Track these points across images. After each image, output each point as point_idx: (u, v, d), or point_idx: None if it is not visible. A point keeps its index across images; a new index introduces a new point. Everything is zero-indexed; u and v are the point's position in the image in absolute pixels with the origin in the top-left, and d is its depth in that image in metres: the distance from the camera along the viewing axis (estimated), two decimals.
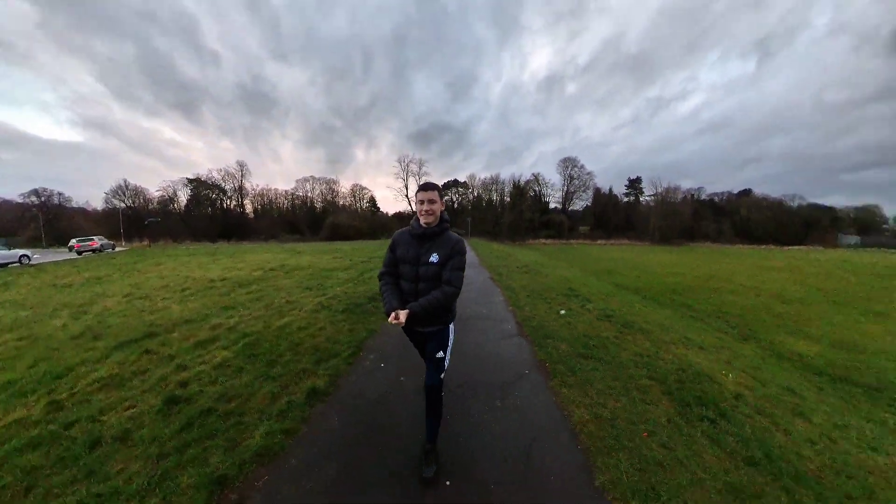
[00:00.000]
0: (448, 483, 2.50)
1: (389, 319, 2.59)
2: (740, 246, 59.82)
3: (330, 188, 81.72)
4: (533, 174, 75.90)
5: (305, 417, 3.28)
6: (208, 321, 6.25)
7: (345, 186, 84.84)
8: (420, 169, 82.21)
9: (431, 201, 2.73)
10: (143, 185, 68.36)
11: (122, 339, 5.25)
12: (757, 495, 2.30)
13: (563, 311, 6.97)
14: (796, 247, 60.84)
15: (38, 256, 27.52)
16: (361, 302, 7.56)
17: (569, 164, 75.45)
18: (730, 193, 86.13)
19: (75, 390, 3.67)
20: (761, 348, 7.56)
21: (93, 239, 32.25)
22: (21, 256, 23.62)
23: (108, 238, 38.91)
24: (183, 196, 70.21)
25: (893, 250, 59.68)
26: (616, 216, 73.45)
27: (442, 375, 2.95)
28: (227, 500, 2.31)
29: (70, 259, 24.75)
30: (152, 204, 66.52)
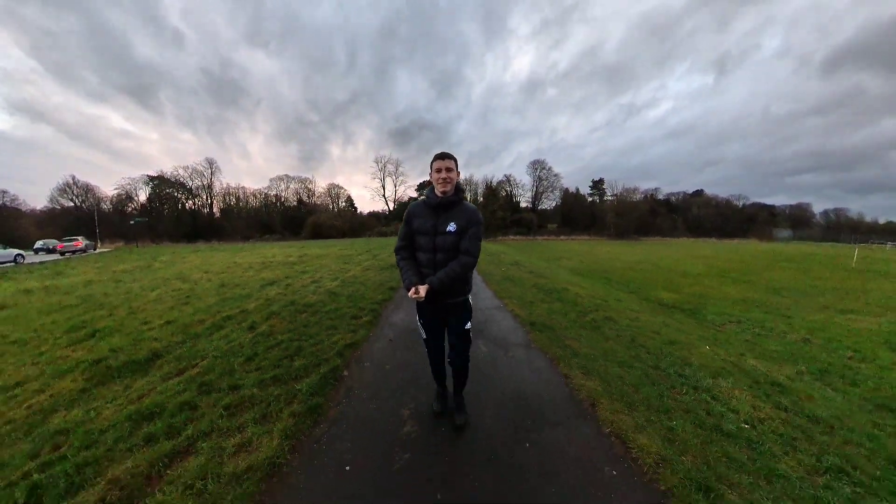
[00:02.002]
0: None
1: (409, 294, 2.57)
2: (685, 239, 65.50)
3: (305, 187, 77.92)
4: (505, 175, 79.09)
5: (374, 322, 5.33)
6: (300, 278, 9.56)
7: (320, 185, 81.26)
8: (397, 169, 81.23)
9: (448, 169, 2.64)
10: (93, 183, 61.58)
11: (256, 286, 8.57)
12: (607, 345, 5.80)
13: (502, 268, 10.67)
14: (736, 240, 67.03)
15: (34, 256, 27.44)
16: (392, 264, 11.04)
17: (538, 167, 79.46)
18: (685, 193, 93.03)
19: (250, 308, 6.88)
20: (636, 296, 11.28)
21: (77, 239, 31.45)
22: (16, 256, 23.89)
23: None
24: (143, 195, 64.34)
25: (819, 242, 66.58)
26: (581, 214, 77.92)
27: (468, 345, 2.91)
28: (355, 357, 4.00)
29: (67, 259, 24.37)
30: (105, 203, 61.01)
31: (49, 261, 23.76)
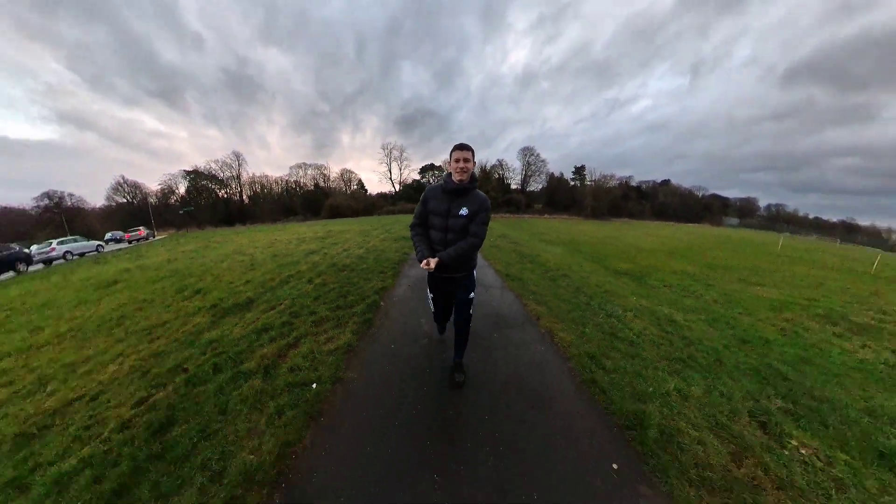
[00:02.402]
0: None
1: (421, 265, 2.54)
2: (650, 221, 66.33)
3: (321, 172, 76.76)
4: (498, 160, 78.30)
5: (396, 275, 6.37)
6: (333, 248, 10.58)
7: (334, 170, 79.79)
8: (402, 154, 79.31)
9: (466, 160, 2.55)
10: (139, 180, 63.98)
11: (300, 255, 9.73)
12: (558, 290, 6.90)
13: (490, 240, 11.67)
14: (692, 224, 68.08)
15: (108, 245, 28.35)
16: (405, 236, 12.05)
17: (527, 153, 78.96)
18: (654, 182, 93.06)
19: (302, 270, 8.08)
20: (597, 264, 12.39)
21: (140, 229, 32.74)
22: (98, 246, 24.80)
23: (121, 229, 38.24)
24: (182, 188, 65.39)
25: (758, 230, 67.95)
26: (563, 196, 78.23)
27: (471, 311, 2.91)
28: (387, 295, 5.05)
29: (137, 246, 24.86)
30: (151, 197, 61.95)
31: (122, 248, 24.52)
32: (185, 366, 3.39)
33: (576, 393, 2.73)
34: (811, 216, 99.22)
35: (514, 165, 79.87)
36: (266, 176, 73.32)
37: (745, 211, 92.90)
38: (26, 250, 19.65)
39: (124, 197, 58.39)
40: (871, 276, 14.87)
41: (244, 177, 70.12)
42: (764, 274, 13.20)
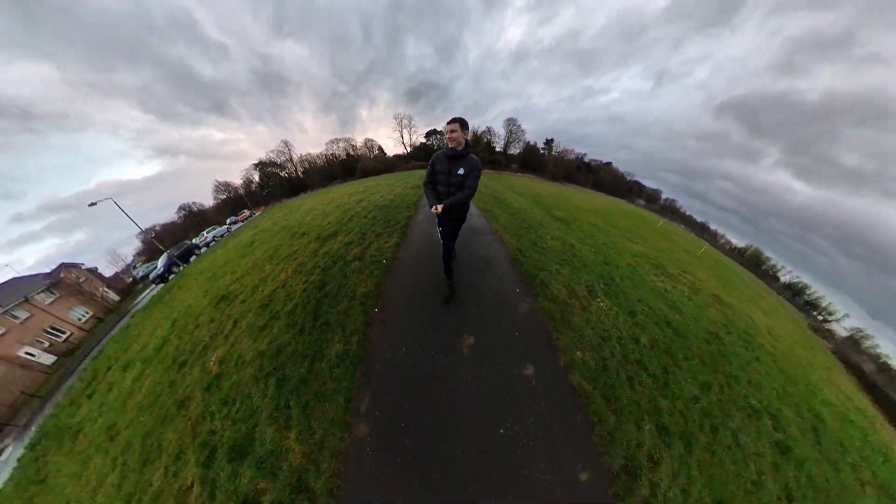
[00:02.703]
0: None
1: (432, 210, 2.59)
2: (589, 190, 66.48)
3: (349, 144, 72.49)
4: (487, 127, 73.99)
5: (415, 208, 7.88)
6: (373, 196, 11.10)
7: (359, 141, 74.28)
8: (410, 122, 74.42)
9: (452, 131, 2.46)
10: (227, 179, 64.81)
11: (353, 203, 10.43)
12: (514, 220, 8.01)
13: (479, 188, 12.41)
14: (616, 198, 68.77)
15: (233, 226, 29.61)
16: (418, 185, 12.63)
17: (510, 123, 73.86)
18: (601, 161, 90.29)
19: (359, 211, 8.65)
20: (545, 211, 13.45)
21: (245, 211, 36.51)
22: (227, 228, 27.31)
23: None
24: (256, 177, 65.58)
25: (654, 213, 69.78)
26: (534, 161, 75.73)
27: (459, 231, 3.15)
28: (412, 221, 7.08)
29: (248, 222, 24.75)
30: (239, 189, 62.73)
31: (239, 226, 25.66)
32: (319, 263, 4.68)
33: (508, 264, 4.14)
34: (688, 213, 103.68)
35: (500, 132, 75.41)
36: (310, 154, 70.97)
37: (651, 198, 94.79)
38: (194, 241, 22.11)
39: (223, 194, 60.50)
40: (695, 256, 17.09)
41: (295, 158, 68.15)
42: (640, 237, 14.86)
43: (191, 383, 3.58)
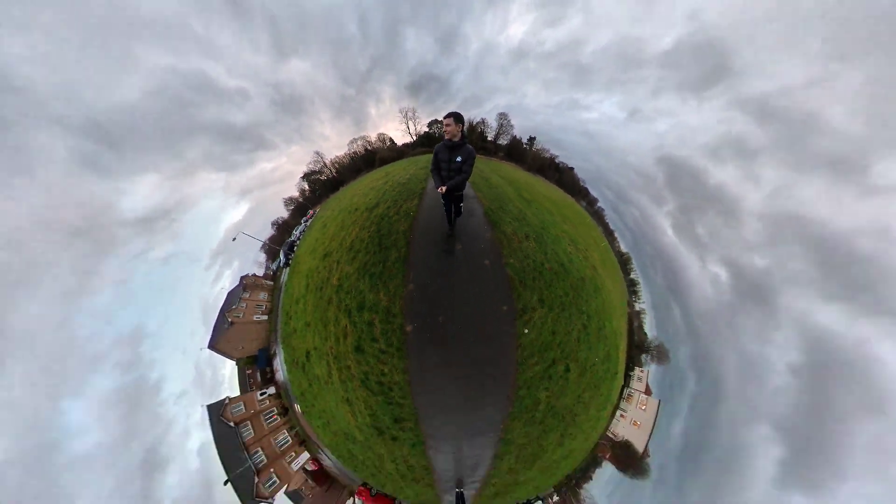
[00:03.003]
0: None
1: (438, 189, 3.31)
2: (553, 185, 75.69)
3: (366, 140, 78.68)
4: (482, 118, 78.62)
5: (426, 181, 10.39)
6: (395, 177, 16.61)
7: (373, 136, 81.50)
8: (414, 114, 79.35)
9: (448, 125, 2.88)
10: (290, 194, 65.51)
11: (382, 184, 19.18)
12: (493, 191, 14.14)
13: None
14: (569, 196, 78.94)
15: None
16: (424, 167, 15.94)
17: (501, 117, 78.86)
18: (566, 164, 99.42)
19: (388, 188, 14.92)
20: (516, 192, 19.62)
21: (310, 211, 36.98)
22: (304, 222, 29.93)
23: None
24: (305, 185, 68.05)
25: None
26: (517, 153, 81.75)
27: (461, 210, 4.40)
28: (423, 190, 11.86)
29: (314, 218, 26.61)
30: (299, 199, 65.75)
31: (310, 221, 27.06)
32: (373, 221, 8.67)
33: (482, 215, 8.04)
34: (607, 221, 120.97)
35: (493, 124, 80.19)
36: (338, 156, 74.37)
37: (591, 203, 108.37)
38: (291, 239, 26.14)
39: (290, 206, 62.84)
40: (598, 246, 24.73)
41: (327, 162, 71.37)
42: (572, 224, 20.94)
43: (328, 293, 7.13)
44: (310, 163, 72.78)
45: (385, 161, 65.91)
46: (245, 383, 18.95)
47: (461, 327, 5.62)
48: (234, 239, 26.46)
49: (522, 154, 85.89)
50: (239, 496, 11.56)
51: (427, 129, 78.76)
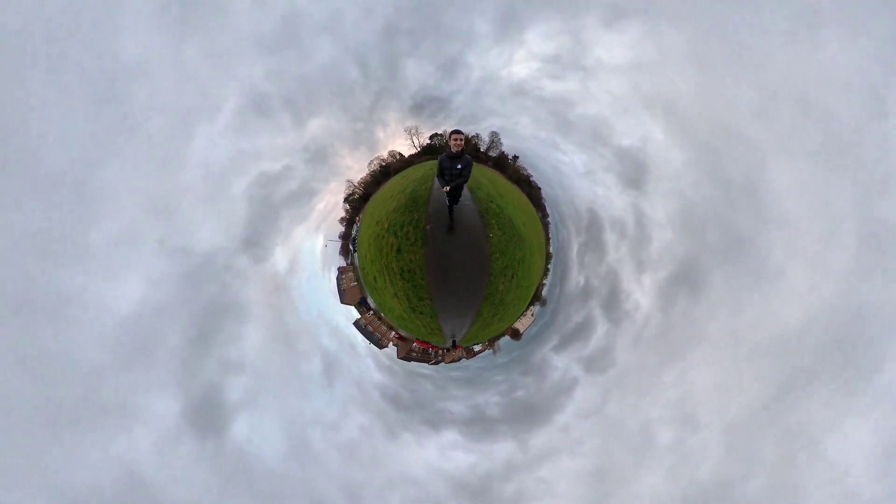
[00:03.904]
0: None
1: (443, 189, 4.05)
2: (524, 196, 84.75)
3: (380, 159, 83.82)
4: (476, 133, 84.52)
5: (431, 180, 14.03)
6: (411, 179, 21.81)
7: (385, 154, 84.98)
8: (417, 130, 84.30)
9: (459, 140, 3.35)
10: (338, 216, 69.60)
11: (402, 186, 21.65)
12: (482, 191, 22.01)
13: None
14: (533, 209, 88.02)
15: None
16: (429, 173, 20.65)
17: (493, 135, 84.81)
18: (537, 184, 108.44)
19: (407, 188, 21.15)
20: (499, 194, 27.76)
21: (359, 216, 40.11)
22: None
23: None
24: (347, 206, 73.62)
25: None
26: (503, 165, 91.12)
27: (459, 202, 5.32)
28: (432, 185, 13.52)
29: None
30: (346, 217, 71.24)
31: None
32: (406, 197, 16.40)
33: (474, 207, 17.06)
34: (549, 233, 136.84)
35: (485, 139, 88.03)
36: (362, 177, 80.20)
37: (545, 214, 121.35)
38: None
39: (343, 221, 67.06)
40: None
41: (356, 184, 76.23)
42: (529, 220, 30.57)
43: (380, 232, 13.76)
44: (345, 190, 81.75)
45: (398, 171, 75.59)
46: (361, 313, 25.38)
47: (460, 240, 12.74)
48: (326, 246, 30.00)
49: (506, 166, 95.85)
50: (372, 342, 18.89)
51: (429, 141, 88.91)
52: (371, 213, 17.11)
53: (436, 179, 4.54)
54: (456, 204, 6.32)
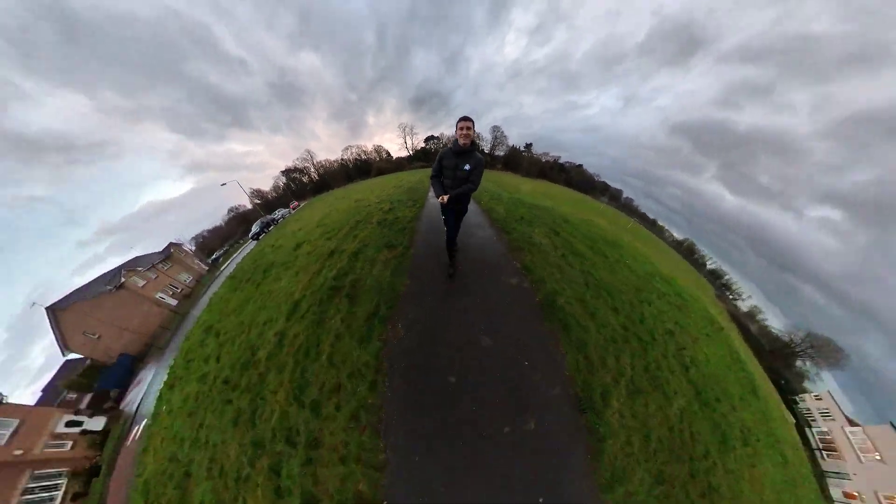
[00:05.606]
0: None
1: (439, 199, 2.71)
2: (561, 186, 71.40)
3: (361, 150, 78.54)
4: (476, 132, 78.28)
5: (428, 188, 11.44)
6: (385, 193, 14.46)
7: (368, 147, 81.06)
8: (412, 130, 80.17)
9: (468, 128, 2.47)
10: (258, 187, 70.94)
11: (393, 186, 14.24)
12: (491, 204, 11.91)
13: None
14: (581, 193, 74.36)
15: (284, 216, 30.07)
16: (422, 178, 16.16)
17: (495, 130, 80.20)
18: (573, 163, 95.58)
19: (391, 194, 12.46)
20: (508, 193, 17.46)
21: (295, 202, 40.67)
22: (288, 211, 30.07)
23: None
24: (283, 181, 71.50)
25: (613, 208, 75.42)
26: (515, 161, 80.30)
27: (461, 223, 3.33)
28: (426, 192, 10.94)
29: (296, 212, 26.32)
30: (269, 194, 68.83)
31: (296, 211, 28.01)
32: (391, 203, 8.13)
33: (492, 227, 7.84)
34: (642, 210, 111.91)
35: (487, 137, 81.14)
36: (328, 159, 76.85)
37: (614, 196, 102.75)
38: (272, 216, 26.25)
39: (257, 199, 64.17)
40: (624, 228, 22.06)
41: (315, 163, 73.94)
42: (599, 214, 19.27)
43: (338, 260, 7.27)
44: (298, 158, 75.05)
45: (382, 171, 63.67)
46: (53, 392, 9.69)
47: (478, 304, 3.97)
48: (224, 184, 23.37)
49: (520, 161, 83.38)
50: None
51: (424, 145, 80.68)
52: (335, 211, 10.76)
53: (430, 187, 3.34)
54: (458, 224, 3.45)
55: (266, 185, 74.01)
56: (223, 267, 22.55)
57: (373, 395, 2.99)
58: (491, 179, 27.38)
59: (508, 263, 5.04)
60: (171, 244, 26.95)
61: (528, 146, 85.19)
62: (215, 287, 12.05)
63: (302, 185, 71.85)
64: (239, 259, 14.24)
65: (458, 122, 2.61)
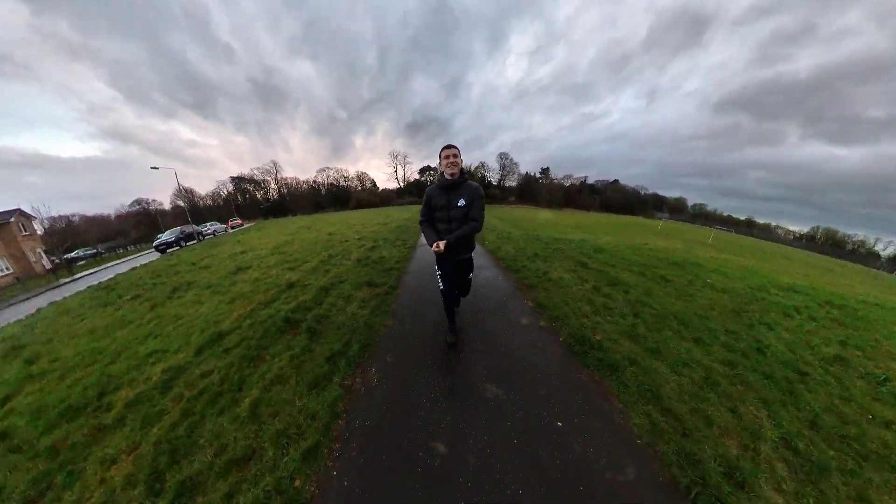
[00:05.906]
0: None
1: (433, 248, 2.17)
2: (592, 213, 62.65)
3: (340, 174, 67.80)
4: (480, 162, 73.21)
5: (417, 232, 9.83)
6: (389, 220, 13.38)
7: (351, 172, 72.16)
8: (405, 158, 75.95)
9: (454, 156, 2.13)
10: (189, 186, 57.46)
11: (372, 225, 12.53)
12: (499, 242, 9.89)
13: None
14: (626, 215, 64.63)
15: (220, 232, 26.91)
16: (413, 216, 14.88)
17: (503, 157, 77.05)
18: (606, 181, 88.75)
19: (370, 232, 11.02)
20: (520, 229, 15.12)
21: (238, 219, 34.27)
22: (226, 228, 28.62)
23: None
24: (227, 189, 58.32)
25: (681, 222, 66.76)
26: (532, 190, 75.54)
27: (469, 286, 2.64)
28: (417, 234, 9.31)
29: (236, 232, 22.98)
30: (203, 200, 53.88)
31: (238, 230, 26.01)
32: (355, 253, 6.55)
33: (496, 267, 5.77)
34: (725, 214, 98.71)
35: (494, 166, 76.88)
36: (295, 178, 65.74)
37: (676, 207, 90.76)
38: (198, 228, 22.42)
39: (182, 201, 48.46)
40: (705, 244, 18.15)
41: (279, 179, 63.00)
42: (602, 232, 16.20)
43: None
44: (257, 168, 60.50)
45: (362, 204, 54.72)
46: None
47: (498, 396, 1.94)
48: (156, 168, 23.50)
49: (538, 191, 79.34)
50: None
51: (418, 177, 74.86)
52: (242, 253, 8.98)
53: (421, 233, 2.97)
54: (465, 291, 2.93)
55: (204, 189, 59.80)
56: (81, 274, 16.22)
57: (306, 471, 1.69)
58: (500, 216, 25.22)
59: (517, 303, 3.83)
60: (19, 210, 19.07)
61: (545, 171, 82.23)
62: (54, 296, 9.76)
63: (254, 201, 57.66)
64: (124, 269, 11.69)
65: (441, 152, 2.21)
